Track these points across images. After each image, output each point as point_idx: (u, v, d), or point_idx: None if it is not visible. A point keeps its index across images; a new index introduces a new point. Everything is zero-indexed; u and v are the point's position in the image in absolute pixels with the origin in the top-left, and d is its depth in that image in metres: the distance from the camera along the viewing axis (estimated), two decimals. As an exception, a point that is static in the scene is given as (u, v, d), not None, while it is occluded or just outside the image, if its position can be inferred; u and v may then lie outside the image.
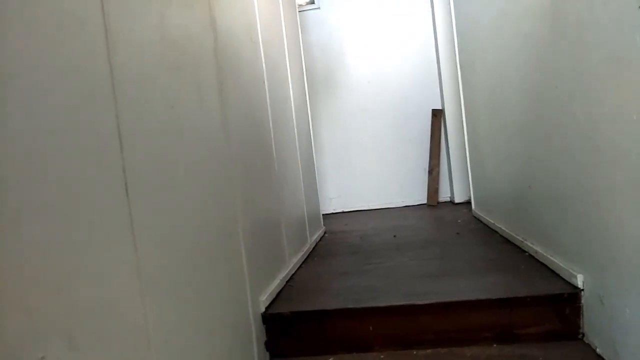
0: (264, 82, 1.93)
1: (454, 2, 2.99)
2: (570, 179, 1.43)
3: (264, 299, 1.52)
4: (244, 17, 1.72)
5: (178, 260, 0.98)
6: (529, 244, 1.86)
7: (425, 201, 3.84)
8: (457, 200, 3.68)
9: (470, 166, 3.02)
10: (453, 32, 3.05)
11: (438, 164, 3.82)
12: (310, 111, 3.11)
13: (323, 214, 3.16)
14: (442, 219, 3.12)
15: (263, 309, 1.50)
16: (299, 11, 3.37)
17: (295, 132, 2.48)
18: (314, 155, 3.05)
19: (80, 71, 0.73)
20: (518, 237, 2.00)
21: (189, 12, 1.20)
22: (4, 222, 0.56)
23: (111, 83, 0.82)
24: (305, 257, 2.25)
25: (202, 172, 1.18)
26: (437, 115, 3.81)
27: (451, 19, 3.09)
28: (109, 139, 0.79)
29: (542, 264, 1.69)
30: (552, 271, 1.59)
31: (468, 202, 3.43)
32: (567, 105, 1.40)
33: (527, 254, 1.86)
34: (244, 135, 1.57)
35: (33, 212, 0.60)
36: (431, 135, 3.82)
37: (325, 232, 2.99)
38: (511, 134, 2.01)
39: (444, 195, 3.85)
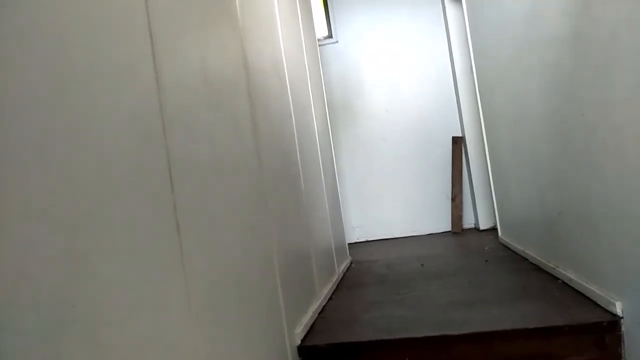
0: (291, 115, 1.98)
1: (470, 30, 3.05)
2: (602, 203, 1.42)
3: (299, 332, 1.52)
4: (271, 54, 1.79)
5: (223, 293, 1.01)
6: (561, 270, 1.84)
7: (449, 228, 3.82)
8: (482, 227, 3.65)
9: (495, 193, 3.01)
10: (471, 60, 3.10)
11: (461, 191, 3.81)
12: (332, 141, 3.16)
13: (347, 244, 3.17)
14: (468, 247, 3.10)
15: (299, 342, 1.51)
16: (319, 45, 3.46)
17: (320, 162, 2.52)
18: (337, 185, 3.08)
19: (136, 117, 0.78)
20: (550, 264, 1.98)
21: (225, 54, 1.27)
22: (78, 264, 0.59)
23: (162, 125, 0.86)
24: (334, 288, 2.26)
25: (241, 205, 1.21)
26: (458, 143, 3.83)
27: (468, 48, 3.15)
28: (162, 179, 0.83)
29: (577, 291, 1.67)
30: (589, 298, 1.57)
31: (493, 229, 3.40)
32: (594, 131, 1.41)
33: (560, 281, 1.84)
34: (275, 168, 1.61)
35: (100, 253, 0.64)
36: (452, 163, 3.83)
37: (351, 262, 2.99)
38: (537, 160, 2.02)
39: (468, 222, 3.83)
